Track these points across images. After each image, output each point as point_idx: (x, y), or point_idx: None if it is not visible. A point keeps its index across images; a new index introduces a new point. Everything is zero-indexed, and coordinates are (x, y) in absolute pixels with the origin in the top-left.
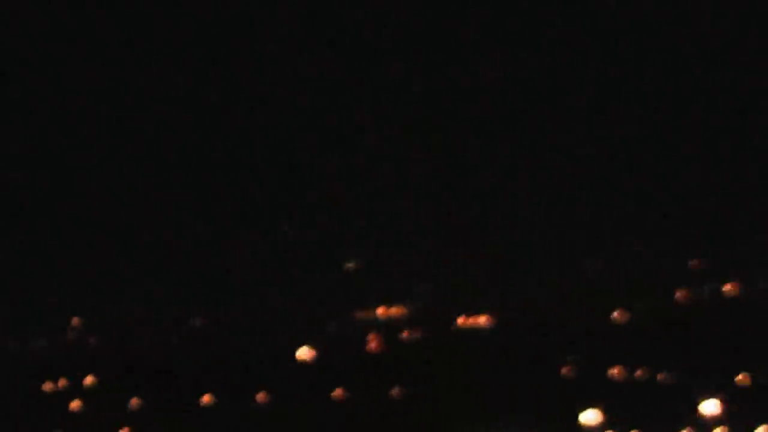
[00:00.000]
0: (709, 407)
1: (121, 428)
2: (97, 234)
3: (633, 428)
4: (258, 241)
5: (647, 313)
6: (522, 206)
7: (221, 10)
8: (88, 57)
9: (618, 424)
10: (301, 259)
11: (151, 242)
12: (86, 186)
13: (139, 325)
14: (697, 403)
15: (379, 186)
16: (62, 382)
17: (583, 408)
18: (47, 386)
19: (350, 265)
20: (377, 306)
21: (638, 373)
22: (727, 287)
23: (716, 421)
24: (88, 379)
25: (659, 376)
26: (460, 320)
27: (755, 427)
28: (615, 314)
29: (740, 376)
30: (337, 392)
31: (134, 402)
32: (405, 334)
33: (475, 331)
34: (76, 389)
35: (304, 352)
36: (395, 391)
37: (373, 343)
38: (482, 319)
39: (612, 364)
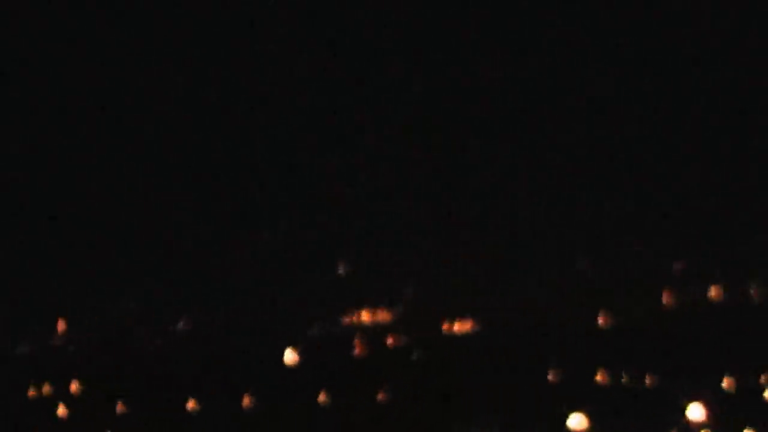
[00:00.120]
0: (695, 411)
1: None
2: (82, 239)
3: None
4: (243, 245)
5: (633, 317)
6: (509, 210)
7: (221, 10)
8: (88, 57)
9: (604, 429)
10: (287, 263)
11: (136, 247)
12: (72, 191)
13: (124, 329)
14: (683, 408)
15: (370, 189)
16: (47, 388)
17: (570, 412)
18: (32, 392)
19: (342, 268)
20: (363, 310)
21: (624, 377)
22: (713, 291)
23: (702, 425)
24: (73, 385)
25: (645, 381)
26: (446, 325)
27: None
28: (601, 318)
29: (726, 381)
30: (322, 396)
31: (119, 407)
32: (390, 339)
33: (460, 336)
34: (61, 395)
35: (289, 356)
36: (380, 395)
37: (358, 347)
38: (468, 324)
39: (598, 369)
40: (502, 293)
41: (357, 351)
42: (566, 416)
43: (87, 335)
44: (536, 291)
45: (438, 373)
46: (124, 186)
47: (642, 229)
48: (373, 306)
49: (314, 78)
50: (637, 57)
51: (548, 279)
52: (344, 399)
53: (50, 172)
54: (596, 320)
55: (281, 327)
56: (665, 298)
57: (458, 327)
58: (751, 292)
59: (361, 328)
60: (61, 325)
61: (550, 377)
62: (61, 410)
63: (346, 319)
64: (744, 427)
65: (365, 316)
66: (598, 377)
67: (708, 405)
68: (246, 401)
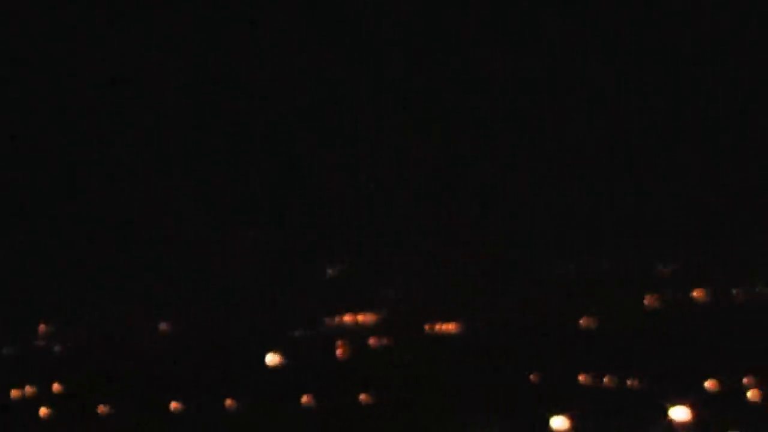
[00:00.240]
0: (679, 413)
1: None
2: (65, 241)
3: None
4: (227, 248)
5: (616, 319)
6: (492, 214)
7: (221, 10)
8: (88, 57)
9: (587, 430)
10: (271, 265)
11: (119, 249)
12: (56, 194)
13: (107, 331)
14: (667, 409)
15: (352, 193)
16: (30, 390)
17: (553, 414)
18: (15, 393)
19: (325, 271)
20: (346, 312)
21: (607, 379)
22: (695, 293)
23: (685, 426)
24: (56, 386)
25: (628, 382)
26: (428, 327)
27: None
28: (583, 320)
29: (709, 382)
30: (306, 398)
31: (102, 409)
32: (373, 340)
33: (443, 337)
34: (43, 396)
35: (272, 358)
36: (363, 397)
37: (341, 349)
38: (450, 326)
39: (581, 370)
40: (485, 295)
41: (340, 352)
42: (549, 417)
43: (71, 337)
44: (520, 292)
45: (421, 375)
46: (108, 190)
47: (625, 232)
48: (355, 308)
49: (314, 77)
50: (636, 57)
51: (532, 280)
52: (328, 400)
53: (39, 172)
54: (579, 322)
55: (265, 328)
56: (648, 300)
57: (441, 328)
58: (734, 293)
59: (344, 330)
60: (42, 328)
61: (532, 378)
62: (44, 412)
63: (329, 321)
64: (727, 429)
65: (348, 318)
66: (581, 378)
67: (691, 406)
68: (229, 402)
